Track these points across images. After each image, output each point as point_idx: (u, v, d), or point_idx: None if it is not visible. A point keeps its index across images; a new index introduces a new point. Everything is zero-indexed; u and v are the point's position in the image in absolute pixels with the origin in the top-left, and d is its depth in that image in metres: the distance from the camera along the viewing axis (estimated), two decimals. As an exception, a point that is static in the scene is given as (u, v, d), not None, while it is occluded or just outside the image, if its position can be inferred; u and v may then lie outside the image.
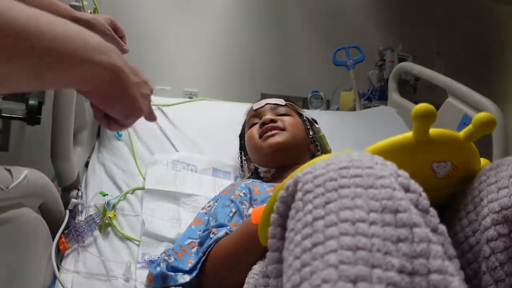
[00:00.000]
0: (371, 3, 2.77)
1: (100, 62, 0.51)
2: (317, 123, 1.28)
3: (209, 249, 0.83)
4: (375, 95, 2.38)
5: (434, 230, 0.41)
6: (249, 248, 0.75)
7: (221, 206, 0.96)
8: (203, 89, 2.19)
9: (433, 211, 0.43)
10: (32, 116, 1.35)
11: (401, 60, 2.40)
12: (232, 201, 0.96)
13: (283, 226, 0.47)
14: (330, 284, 0.35)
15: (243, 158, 1.29)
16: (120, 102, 0.58)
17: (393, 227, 0.38)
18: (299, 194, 0.45)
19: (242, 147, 1.31)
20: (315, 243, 0.39)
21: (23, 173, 0.73)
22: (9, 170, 0.69)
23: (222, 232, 0.84)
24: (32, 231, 0.82)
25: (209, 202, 1.06)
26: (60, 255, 0.96)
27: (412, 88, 2.59)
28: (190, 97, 2.01)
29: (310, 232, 0.40)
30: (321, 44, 2.48)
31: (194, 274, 0.83)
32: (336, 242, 0.37)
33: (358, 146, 1.24)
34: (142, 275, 0.93)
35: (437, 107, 1.76)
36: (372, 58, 2.46)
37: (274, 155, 1.11)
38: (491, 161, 1.57)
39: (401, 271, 0.36)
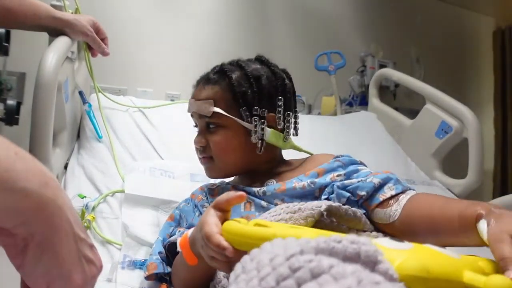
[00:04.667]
0: (353, 10, 2.81)
1: (25, 188, 0.37)
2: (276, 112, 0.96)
3: (166, 247, 0.88)
4: (356, 101, 2.42)
5: None
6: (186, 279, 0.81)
7: (188, 207, 0.98)
8: (185, 91, 2.18)
9: None
10: (10, 117, 1.33)
11: (382, 66, 2.45)
12: (195, 206, 0.96)
13: None
14: None
15: None
16: (41, 257, 0.39)
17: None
18: None
19: None
20: None
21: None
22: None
23: (174, 236, 0.88)
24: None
25: (181, 203, 1.03)
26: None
27: (392, 94, 2.64)
28: (172, 100, 2.01)
29: None
30: (303, 49, 2.50)
31: (166, 270, 0.87)
32: None
33: (338, 150, 1.25)
34: (123, 276, 0.91)
35: (416, 113, 1.80)
36: (354, 64, 2.50)
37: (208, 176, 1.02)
38: (466, 166, 1.60)
39: None
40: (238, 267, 0.43)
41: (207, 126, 0.95)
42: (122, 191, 1.15)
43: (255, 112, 0.93)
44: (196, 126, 1.00)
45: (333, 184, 0.84)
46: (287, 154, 1.05)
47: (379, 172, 0.84)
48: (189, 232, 0.71)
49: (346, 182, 0.84)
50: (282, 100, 0.95)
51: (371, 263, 0.39)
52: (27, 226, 0.38)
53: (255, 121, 0.93)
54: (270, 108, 0.95)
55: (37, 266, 0.40)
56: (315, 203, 0.72)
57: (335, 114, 2.12)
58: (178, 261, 0.84)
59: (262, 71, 0.97)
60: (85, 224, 1.02)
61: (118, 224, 1.06)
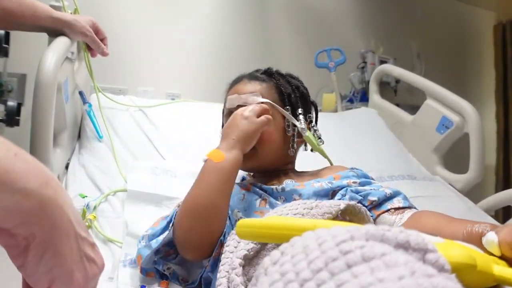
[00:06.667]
0: (352, 6, 2.80)
1: (25, 189, 0.37)
2: (306, 117, 1.05)
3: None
4: (357, 97, 2.42)
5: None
6: (207, 192, 0.81)
7: None
8: (186, 90, 2.18)
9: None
10: (11, 118, 1.34)
11: (382, 62, 2.44)
12: None
13: None
14: None
15: None
16: (42, 257, 0.39)
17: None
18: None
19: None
20: None
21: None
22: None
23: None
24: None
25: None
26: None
27: (393, 90, 2.64)
28: (172, 99, 2.01)
29: None
30: (303, 47, 2.50)
31: (170, 226, 0.84)
32: None
33: (340, 147, 1.25)
34: (125, 274, 0.91)
35: (417, 108, 1.79)
36: (354, 60, 2.49)
37: (242, 169, 1.01)
38: (467, 161, 1.59)
39: None
40: (275, 254, 0.43)
41: None
42: (124, 190, 1.15)
43: (300, 112, 1.01)
44: None
45: (347, 188, 0.90)
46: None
47: (389, 187, 0.92)
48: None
49: (360, 188, 0.91)
50: (314, 109, 1.08)
51: (421, 251, 0.39)
52: (28, 226, 0.38)
53: (300, 119, 1.01)
54: (305, 114, 1.04)
55: (39, 266, 0.40)
56: (332, 201, 0.76)
57: (336, 111, 2.12)
58: (197, 180, 0.85)
59: (299, 83, 1.08)
60: (87, 224, 1.03)
61: (119, 223, 1.06)
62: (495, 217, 1.52)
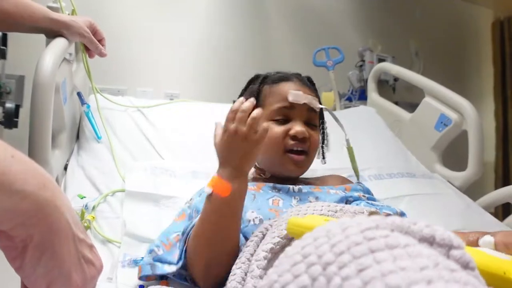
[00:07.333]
0: (351, 4, 2.80)
1: (23, 190, 0.38)
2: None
3: (188, 236, 0.83)
4: (355, 95, 2.42)
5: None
6: (218, 226, 0.78)
7: (202, 199, 0.94)
8: (184, 90, 2.18)
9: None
10: (9, 120, 1.34)
11: (381, 60, 2.44)
12: None
13: None
14: None
15: None
16: (40, 258, 0.39)
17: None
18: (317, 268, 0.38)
19: None
20: None
21: None
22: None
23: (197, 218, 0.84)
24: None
25: (191, 197, 1.03)
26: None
27: (391, 88, 2.64)
28: (171, 99, 2.01)
29: None
30: (301, 45, 2.49)
31: (179, 264, 0.81)
32: None
33: (338, 145, 1.25)
34: (124, 275, 0.91)
35: (415, 106, 1.79)
36: (352, 59, 2.49)
37: (289, 173, 1.00)
38: (466, 158, 1.60)
39: None
40: (295, 242, 0.42)
41: (308, 123, 1.00)
42: (123, 191, 1.15)
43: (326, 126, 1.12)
44: (283, 121, 0.99)
45: (361, 201, 0.94)
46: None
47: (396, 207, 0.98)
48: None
49: (373, 203, 0.95)
50: None
51: (446, 246, 0.38)
52: (26, 227, 0.38)
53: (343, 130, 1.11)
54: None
55: (37, 267, 0.40)
56: (356, 207, 0.78)
57: (334, 109, 2.12)
58: (205, 214, 0.80)
59: None
60: (85, 224, 1.03)
61: (118, 223, 1.06)
62: (495, 214, 1.52)
